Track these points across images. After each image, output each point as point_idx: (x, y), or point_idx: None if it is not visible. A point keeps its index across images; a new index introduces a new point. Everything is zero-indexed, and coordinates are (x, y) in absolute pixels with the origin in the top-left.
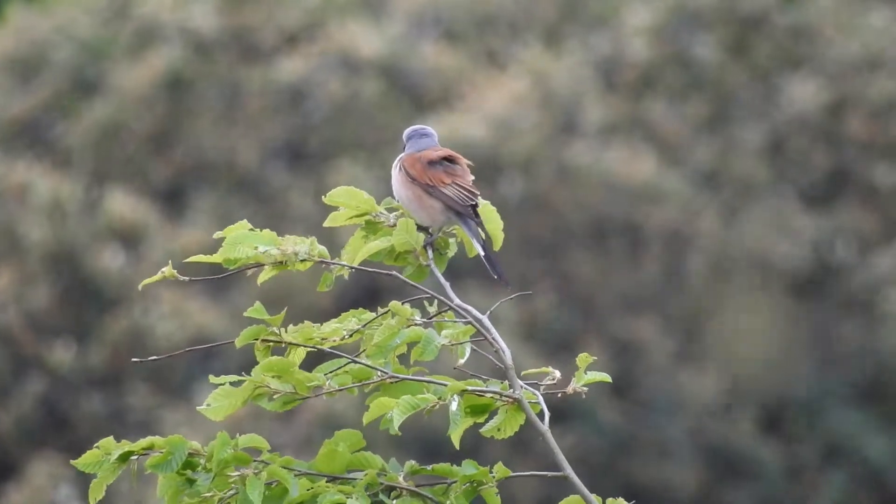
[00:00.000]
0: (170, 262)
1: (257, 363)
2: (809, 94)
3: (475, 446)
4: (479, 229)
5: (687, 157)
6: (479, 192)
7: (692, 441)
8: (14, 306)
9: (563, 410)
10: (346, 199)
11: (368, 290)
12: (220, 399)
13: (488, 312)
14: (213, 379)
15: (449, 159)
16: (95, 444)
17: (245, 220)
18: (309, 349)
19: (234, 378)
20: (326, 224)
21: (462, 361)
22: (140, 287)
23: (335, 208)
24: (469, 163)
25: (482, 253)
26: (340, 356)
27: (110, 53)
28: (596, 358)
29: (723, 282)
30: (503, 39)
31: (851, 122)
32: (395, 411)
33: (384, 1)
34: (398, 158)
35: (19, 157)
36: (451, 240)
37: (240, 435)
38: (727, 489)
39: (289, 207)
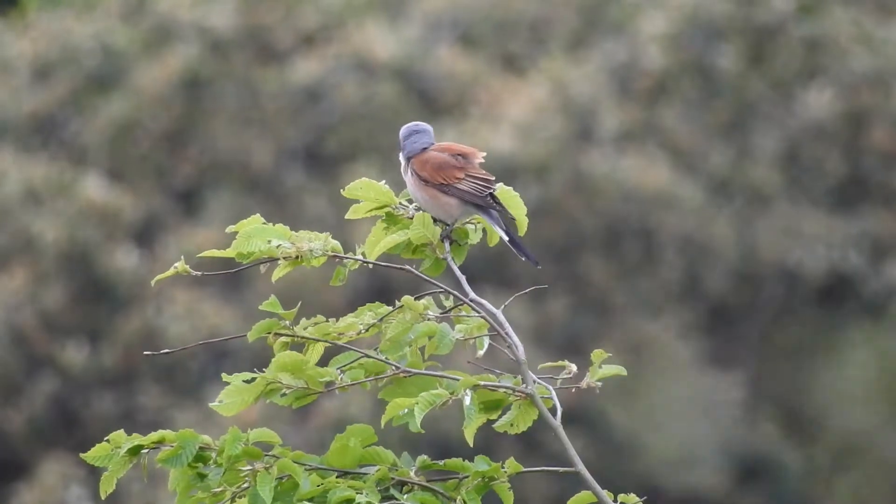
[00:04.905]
0: (182, 257)
1: (269, 363)
2: (825, 103)
3: (487, 445)
4: (501, 216)
5: (701, 164)
6: (494, 178)
7: (708, 443)
8: (28, 306)
9: (577, 413)
10: (365, 192)
11: (381, 289)
12: (232, 396)
13: (502, 307)
14: (225, 377)
15: (457, 155)
16: (105, 438)
17: (258, 215)
18: (326, 345)
19: (247, 375)
20: (348, 216)
21: (481, 353)
22: (153, 283)
23: (354, 202)
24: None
25: (506, 238)
26: (354, 350)
27: (127, 51)
28: (610, 354)
29: (737, 287)
30: (520, 45)
31: (873, 131)
32: (416, 407)
33: (401, 4)
34: (405, 162)
35: (34, 154)
36: (471, 227)
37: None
38: (746, 492)
39: (303, 208)
